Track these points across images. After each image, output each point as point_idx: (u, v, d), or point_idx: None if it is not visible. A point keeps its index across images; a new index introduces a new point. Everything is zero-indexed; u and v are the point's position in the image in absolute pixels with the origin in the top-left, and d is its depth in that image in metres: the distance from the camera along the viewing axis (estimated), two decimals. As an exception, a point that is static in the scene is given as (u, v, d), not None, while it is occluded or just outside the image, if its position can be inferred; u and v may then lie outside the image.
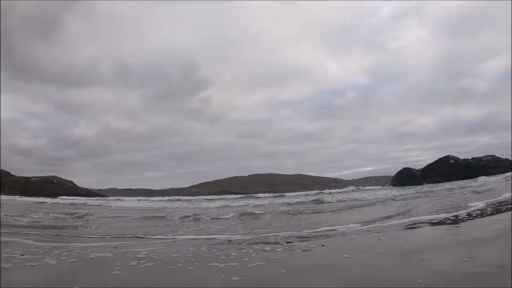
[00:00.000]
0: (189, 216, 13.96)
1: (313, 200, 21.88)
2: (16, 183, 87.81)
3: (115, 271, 4.74)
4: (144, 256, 5.99)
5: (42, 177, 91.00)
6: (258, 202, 22.77)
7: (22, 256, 5.55)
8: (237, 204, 21.51)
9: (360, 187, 48.82)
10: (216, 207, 19.57)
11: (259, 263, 5.11)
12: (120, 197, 42.73)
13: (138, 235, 8.74)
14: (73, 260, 5.51)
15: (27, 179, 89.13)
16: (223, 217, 13.76)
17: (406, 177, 49.84)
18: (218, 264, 5.20)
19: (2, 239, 7.41)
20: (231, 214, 14.40)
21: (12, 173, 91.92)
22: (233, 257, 5.70)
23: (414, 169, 53.23)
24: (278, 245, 6.74)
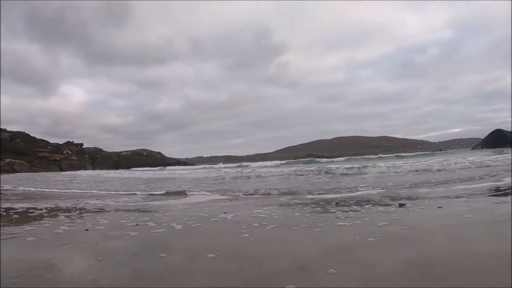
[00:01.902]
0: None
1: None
2: (109, 158, 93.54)
3: (244, 235, 4.58)
4: (264, 216, 6.01)
5: (132, 150, 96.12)
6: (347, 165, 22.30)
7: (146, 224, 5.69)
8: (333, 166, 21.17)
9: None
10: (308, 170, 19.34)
11: (384, 223, 4.90)
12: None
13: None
14: (198, 224, 5.50)
15: (118, 153, 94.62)
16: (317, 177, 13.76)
17: (498, 139, 47.31)
18: (344, 224, 5.04)
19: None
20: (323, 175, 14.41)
21: (104, 150, 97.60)
22: (353, 216, 5.56)
23: (507, 131, 50.33)
24: (391, 206, 6.56)
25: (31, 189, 16.72)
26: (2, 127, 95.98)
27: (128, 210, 7.51)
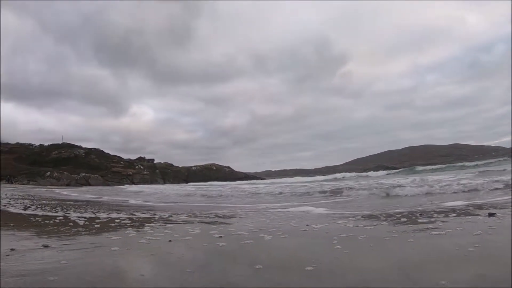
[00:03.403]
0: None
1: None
2: (179, 172, 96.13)
3: (337, 246, 4.43)
4: (351, 227, 5.89)
5: (202, 165, 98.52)
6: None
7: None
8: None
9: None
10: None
11: (480, 232, 4.68)
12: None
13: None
14: (286, 235, 5.43)
15: (188, 168, 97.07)
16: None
17: None
18: (438, 233, 4.85)
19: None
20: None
21: (174, 165, 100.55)
22: (443, 227, 5.32)
23: None
24: (479, 216, 6.27)
25: (117, 198, 17.36)
26: (77, 144, 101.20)
27: (211, 223, 7.57)
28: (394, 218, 6.64)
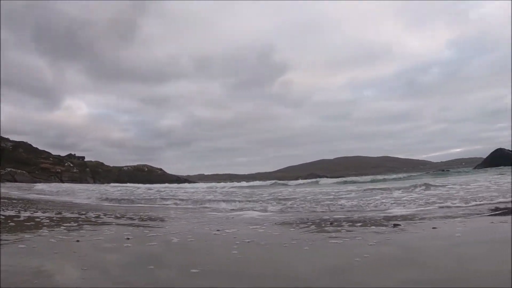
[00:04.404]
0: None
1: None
2: (110, 172, 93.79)
3: (234, 251, 4.63)
4: (261, 232, 6.15)
5: (134, 166, 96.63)
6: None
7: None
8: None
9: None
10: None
11: (376, 243, 4.92)
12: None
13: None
14: (192, 239, 5.55)
15: (119, 168, 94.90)
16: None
17: (500, 159, 47.51)
18: (336, 242, 5.12)
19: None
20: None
21: (105, 164, 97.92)
22: (343, 236, 5.59)
23: (508, 150, 50.57)
24: (384, 227, 6.56)
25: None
26: (5, 136, 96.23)
27: (128, 225, 7.52)
28: (305, 225, 6.91)
